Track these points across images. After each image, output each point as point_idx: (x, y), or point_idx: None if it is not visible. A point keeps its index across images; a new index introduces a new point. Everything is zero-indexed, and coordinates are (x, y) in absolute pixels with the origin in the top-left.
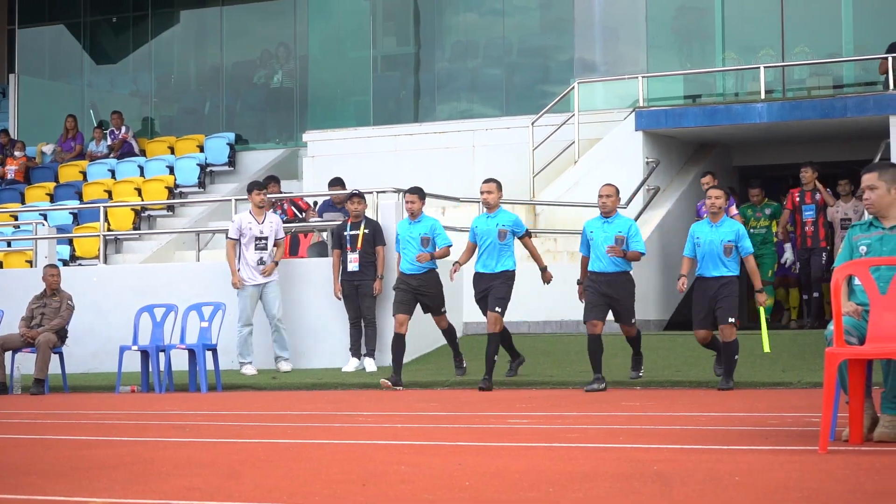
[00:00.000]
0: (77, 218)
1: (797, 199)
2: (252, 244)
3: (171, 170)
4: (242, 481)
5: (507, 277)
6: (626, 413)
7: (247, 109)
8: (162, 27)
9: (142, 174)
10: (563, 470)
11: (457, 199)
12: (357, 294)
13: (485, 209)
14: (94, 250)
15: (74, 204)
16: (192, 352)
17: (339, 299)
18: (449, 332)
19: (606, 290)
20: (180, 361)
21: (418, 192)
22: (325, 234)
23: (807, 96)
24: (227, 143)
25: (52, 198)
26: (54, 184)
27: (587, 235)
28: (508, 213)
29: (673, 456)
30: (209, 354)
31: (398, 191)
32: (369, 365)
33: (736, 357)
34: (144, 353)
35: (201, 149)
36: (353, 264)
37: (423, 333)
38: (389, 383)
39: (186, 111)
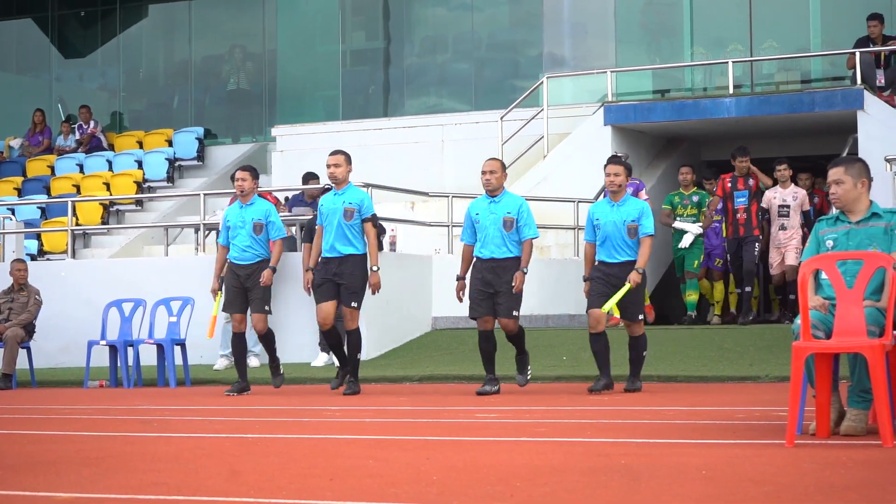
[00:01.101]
0: (45, 212)
1: (728, 184)
2: None
3: (140, 164)
4: (210, 476)
5: (355, 264)
6: (595, 407)
7: (215, 104)
8: (130, 21)
9: (110, 168)
10: (531, 464)
11: (426, 194)
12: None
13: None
14: (63, 245)
15: (42, 198)
16: (160, 347)
17: (309, 294)
18: (267, 338)
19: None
20: (149, 356)
21: (250, 170)
22: (293, 229)
23: (775, 91)
24: (196, 138)
25: (20, 192)
26: (22, 178)
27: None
28: (358, 191)
29: (641, 450)
30: (178, 349)
31: (366, 185)
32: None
33: (644, 353)
34: (113, 348)
35: (170, 143)
36: None
37: (392, 328)
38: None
39: (155, 105)
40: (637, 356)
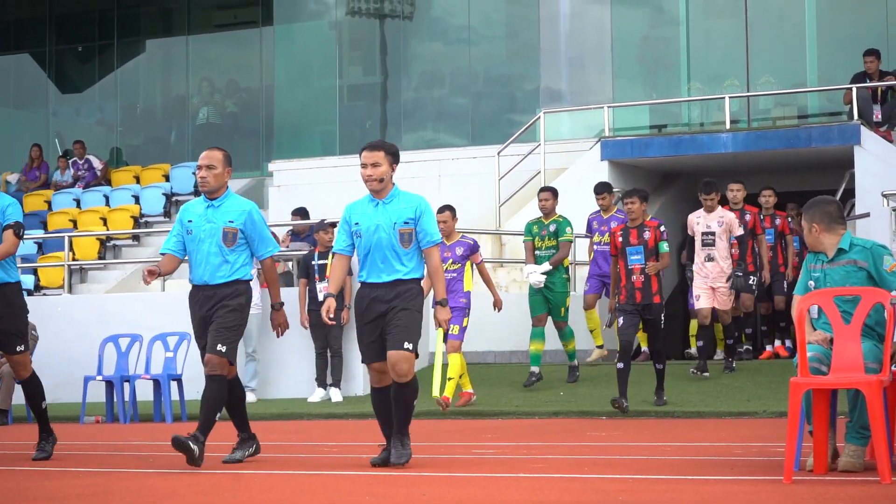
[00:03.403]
0: (41, 247)
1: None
2: None
3: (137, 199)
4: None
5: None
6: (592, 443)
7: (213, 139)
8: (128, 56)
9: (107, 203)
10: (528, 500)
11: None
12: (324, 324)
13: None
14: (59, 280)
15: (39, 233)
16: (156, 382)
17: (306, 328)
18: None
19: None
20: (145, 392)
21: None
22: (290, 264)
23: (772, 126)
24: (193, 173)
25: None
26: None
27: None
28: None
29: (638, 486)
30: (174, 384)
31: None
32: (335, 395)
33: (414, 403)
34: (109, 384)
35: (167, 178)
36: (322, 293)
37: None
38: None
39: (152, 140)
40: (405, 407)
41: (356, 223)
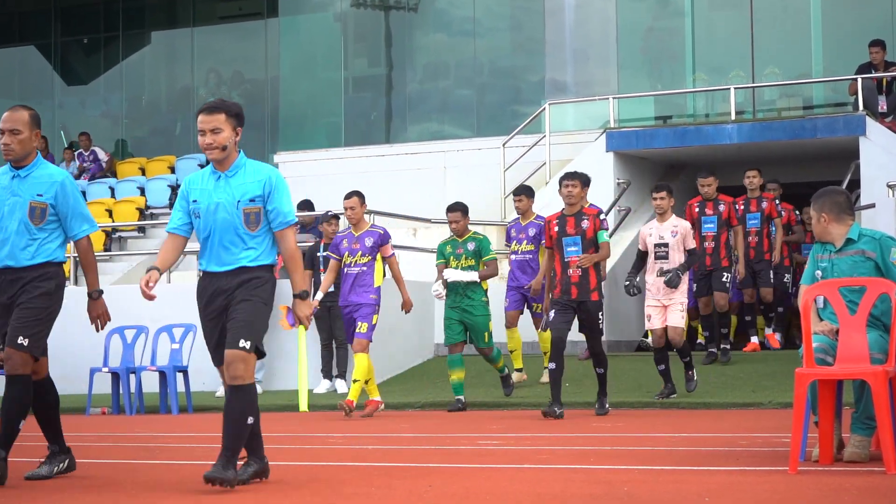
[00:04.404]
0: None
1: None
2: None
3: (142, 191)
4: (212, 503)
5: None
6: (596, 434)
7: None
8: (133, 48)
9: (112, 195)
10: (533, 491)
11: (428, 221)
12: (329, 316)
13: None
14: (65, 272)
15: None
16: (162, 373)
17: (311, 320)
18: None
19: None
20: (151, 383)
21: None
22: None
23: (777, 117)
24: (199, 165)
25: None
26: None
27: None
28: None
29: (643, 477)
30: (180, 376)
31: (369, 212)
32: (340, 386)
33: (250, 419)
34: (115, 375)
35: (172, 170)
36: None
37: (394, 355)
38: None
39: (157, 132)
40: (236, 425)
41: (194, 200)
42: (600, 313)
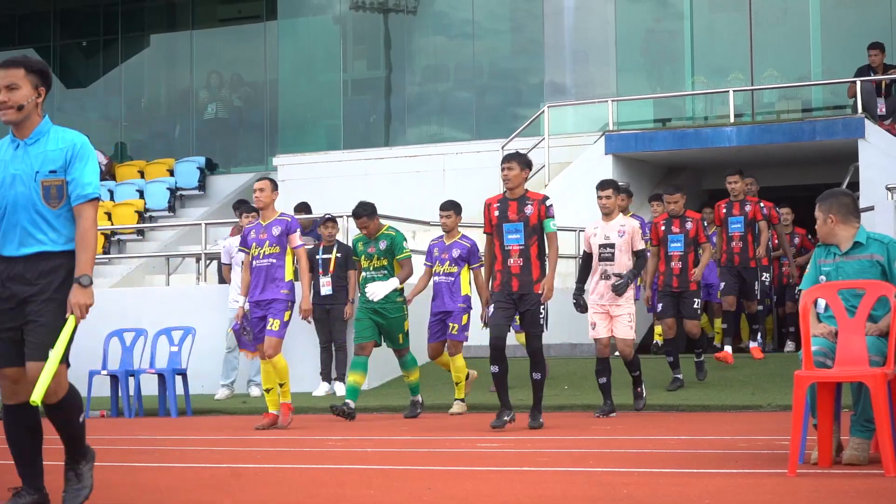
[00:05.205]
0: None
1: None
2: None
3: (141, 194)
4: None
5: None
6: (596, 437)
7: (217, 133)
8: (132, 51)
9: (111, 198)
10: (533, 494)
11: (427, 223)
12: (328, 318)
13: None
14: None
15: None
16: (161, 376)
17: (310, 323)
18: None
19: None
20: (150, 386)
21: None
22: None
23: (776, 120)
24: (198, 168)
25: None
26: None
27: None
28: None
29: (642, 479)
30: (179, 379)
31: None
32: (340, 389)
33: (78, 433)
34: (114, 378)
35: (171, 173)
36: (325, 288)
37: (393, 357)
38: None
39: (156, 135)
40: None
41: None
42: (542, 308)
